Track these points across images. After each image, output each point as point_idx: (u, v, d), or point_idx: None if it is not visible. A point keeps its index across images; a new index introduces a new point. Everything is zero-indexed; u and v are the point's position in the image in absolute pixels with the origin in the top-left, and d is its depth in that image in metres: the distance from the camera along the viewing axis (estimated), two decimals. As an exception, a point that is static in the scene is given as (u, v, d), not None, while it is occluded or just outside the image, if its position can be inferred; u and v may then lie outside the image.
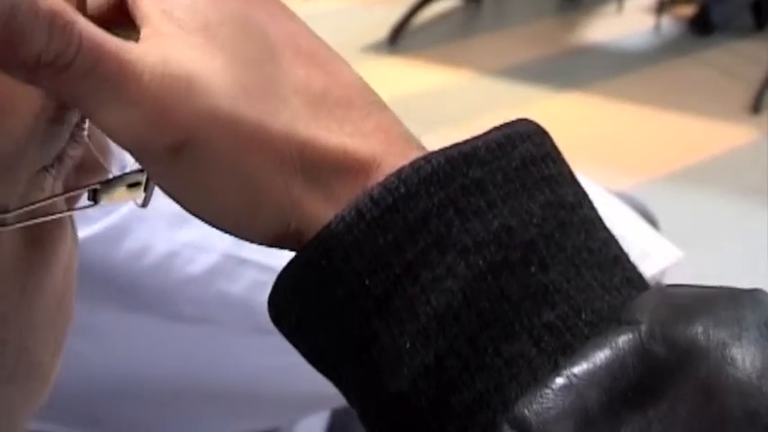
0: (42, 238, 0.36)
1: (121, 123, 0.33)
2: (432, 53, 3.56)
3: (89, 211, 0.74)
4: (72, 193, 0.36)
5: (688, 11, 3.88)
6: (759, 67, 3.26)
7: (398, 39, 3.62)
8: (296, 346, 0.37)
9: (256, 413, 0.87)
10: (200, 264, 0.78)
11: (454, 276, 0.34)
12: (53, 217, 0.35)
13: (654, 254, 1.28)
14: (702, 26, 3.75)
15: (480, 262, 0.34)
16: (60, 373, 0.79)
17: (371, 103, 0.37)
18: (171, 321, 0.78)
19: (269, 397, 0.85)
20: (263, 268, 0.80)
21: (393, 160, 0.36)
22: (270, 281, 0.93)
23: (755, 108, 3.15)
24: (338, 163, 0.36)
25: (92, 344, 0.77)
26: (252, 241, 0.37)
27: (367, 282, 0.35)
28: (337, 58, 0.38)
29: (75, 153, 0.36)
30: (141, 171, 0.37)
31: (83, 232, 0.74)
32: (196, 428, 0.86)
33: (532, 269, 0.35)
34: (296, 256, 0.36)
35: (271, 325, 0.86)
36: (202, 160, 0.34)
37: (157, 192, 0.88)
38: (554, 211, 0.36)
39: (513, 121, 0.37)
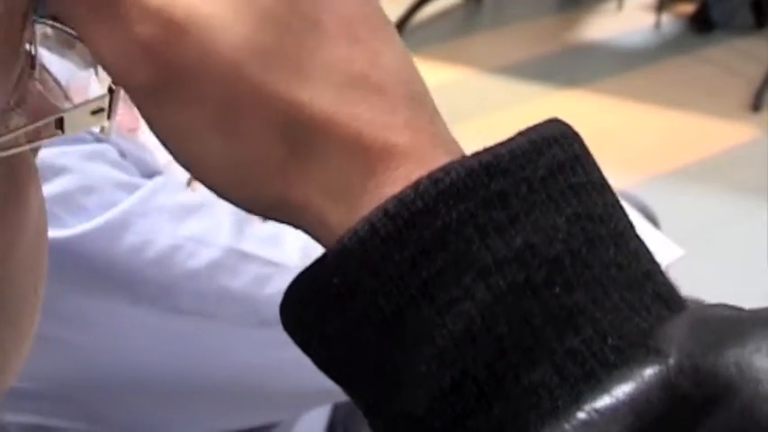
0: (16, 175, 0.35)
1: (107, 53, 0.33)
2: (432, 51, 3.55)
3: (91, 204, 0.75)
4: (38, 123, 0.36)
5: (688, 8, 3.87)
6: (759, 65, 3.26)
7: (399, 36, 3.62)
8: (310, 357, 0.36)
9: (258, 408, 0.87)
10: (201, 258, 0.78)
11: (472, 299, 0.32)
12: (23, 148, 0.35)
13: (655, 252, 1.28)
14: (703, 24, 3.75)
15: (501, 282, 0.32)
16: (62, 367, 0.79)
17: (408, 95, 0.35)
18: (172, 315, 0.78)
19: (271, 391, 0.85)
20: (266, 262, 0.80)
21: (410, 166, 0.34)
22: (272, 275, 0.94)
23: (756, 106, 3.15)
24: (349, 153, 0.34)
25: (93, 337, 0.77)
26: (236, 204, 0.36)
27: (380, 301, 0.33)
28: (388, 38, 0.36)
29: (35, 89, 0.36)
30: (104, 97, 0.36)
31: (85, 226, 0.74)
32: (198, 423, 0.86)
33: (556, 290, 0.33)
34: (307, 269, 0.34)
35: (272, 319, 0.87)
36: (187, 109, 0.33)
37: (160, 186, 0.88)
38: (581, 224, 0.33)
39: (540, 124, 0.35)
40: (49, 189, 0.74)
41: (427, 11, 3.78)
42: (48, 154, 0.75)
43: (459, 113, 2.94)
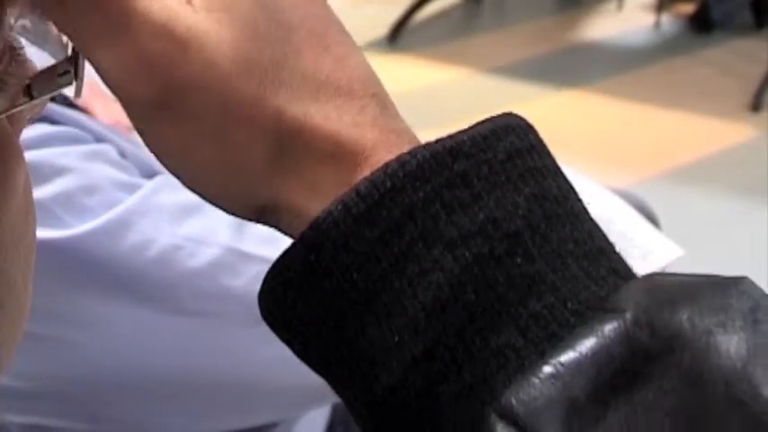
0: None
1: (112, 68, 0.34)
2: (432, 51, 3.56)
3: (92, 204, 0.75)
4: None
5: (688, 9, 3.88)
6: (759, 66, 3.26)
7: (398, 36, 3.62)
8: (287, 342, 0.38)
9: (259, 407, 0.87)
10: (202, 257, 0.78)
11: (441, 269, 0.34)
12: None
13: (655, 252, 1.28)
14: (702, 24, 3.75)
15: (466, 254, 0.35)
16: (62, 367, 0.79)
17: (372, 95, 0.37)
18: (174, 315, 0.78)
19: (272, 390, 0.85)
20: (266, 262, 0.80)
21: (382, 154, 0.36)
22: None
23: (755, 106, 3.16)
24: (328, 152, 0.36)
25: (94, 337, 0.77)
26: (224, 210, 0.38)
27: (354, 276, 0.35)
28: (348, 43, 0.38)
29: (18, 72, 0.36)
30: (69, 60, 0.37)
31: (86, 226, 0.74)
32: (198, 422, 0.86)
33: (518, 260, 0.35)
34: (284, 252, 0.36)
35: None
36: (184, 121, 0.35)
37: (160, 186, 0.88)
38: (539, 203, 0.36)
39: (498, 116, 0.37)
40: (49, 189, 0.74)
41: (427, 11, 3.78)
42: (48, 154, 0.75)
43: (458, 113, 2.94)
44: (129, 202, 0.76)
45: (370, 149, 0.36)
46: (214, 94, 0.35)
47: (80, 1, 0.33)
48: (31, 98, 0.36)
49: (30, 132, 0.73)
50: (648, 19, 3.83)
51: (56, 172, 0.75)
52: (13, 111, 0.36)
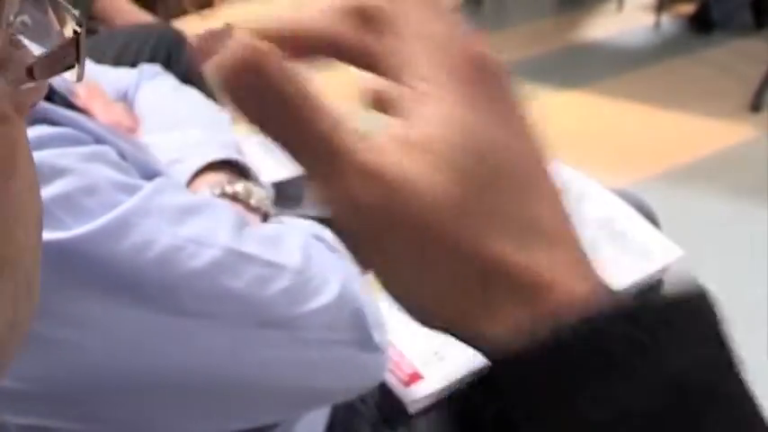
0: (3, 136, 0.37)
1: (326, 200, 0.38)
2: (432, 51, 3.55)
3: (92, 206, 0.75)
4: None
5: (688, 9, 3.88)
6: (759, 66, 3.26)
7: (398, 37, 3.62)
8: None
9: (260, 407, 0.87)
10: (202, 258, 0.78)
11: (629, 415, 0.36)
12: None
13: (655, 251, 1.28)
14: (702, 24, 3.75)
15: (656, 404, 0.37)
16: (63, 368, 0.78)
17: (564, 235, 0.40)
18: (173, 316, 0.78)
19: (272, 391, 0.85)
20: (266, 263, 0.80)
21: (563, 295, 0.38)
22: (272, 276, 0.93)
23: (755, 106, 3.16)
24: (527, 291, 0.38)
25: (95, 338, 0.77)
26: (415, 319, 0.40)
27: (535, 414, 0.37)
28: (551, 186, 0.40)
29: (19, 56, 0.37)
30: (71, 43, 0.38)
31: (86, 227, 0.74)
32: (198, 423, 0.86)
33: (696, 415, 0.37)
34: (479, 375, 0.38)
35: (272, 320, 0.86)
36: (390, 255, 0.39)
37: (160, 187, 0.88)
38: (712, 369, 0.38)
39: (681, 291, 0.40)
40: (49, 190, 0.74)
41: (427, 11, 3.77)
42: (47, 155, 0.75)
43: (458, 114, 2.94)
44: (130, 202, 0.76)
45: (561, 290, 0.38)
46: (420, 232, 0.38)
47: (291, 143, 0.37)
48: (34, 78, 0.37)
49: (29, 134, 0.73)
50: (648, 19, 3.83)
51: (55, 173, 0.75)
52: (22, 87, 0.37)
